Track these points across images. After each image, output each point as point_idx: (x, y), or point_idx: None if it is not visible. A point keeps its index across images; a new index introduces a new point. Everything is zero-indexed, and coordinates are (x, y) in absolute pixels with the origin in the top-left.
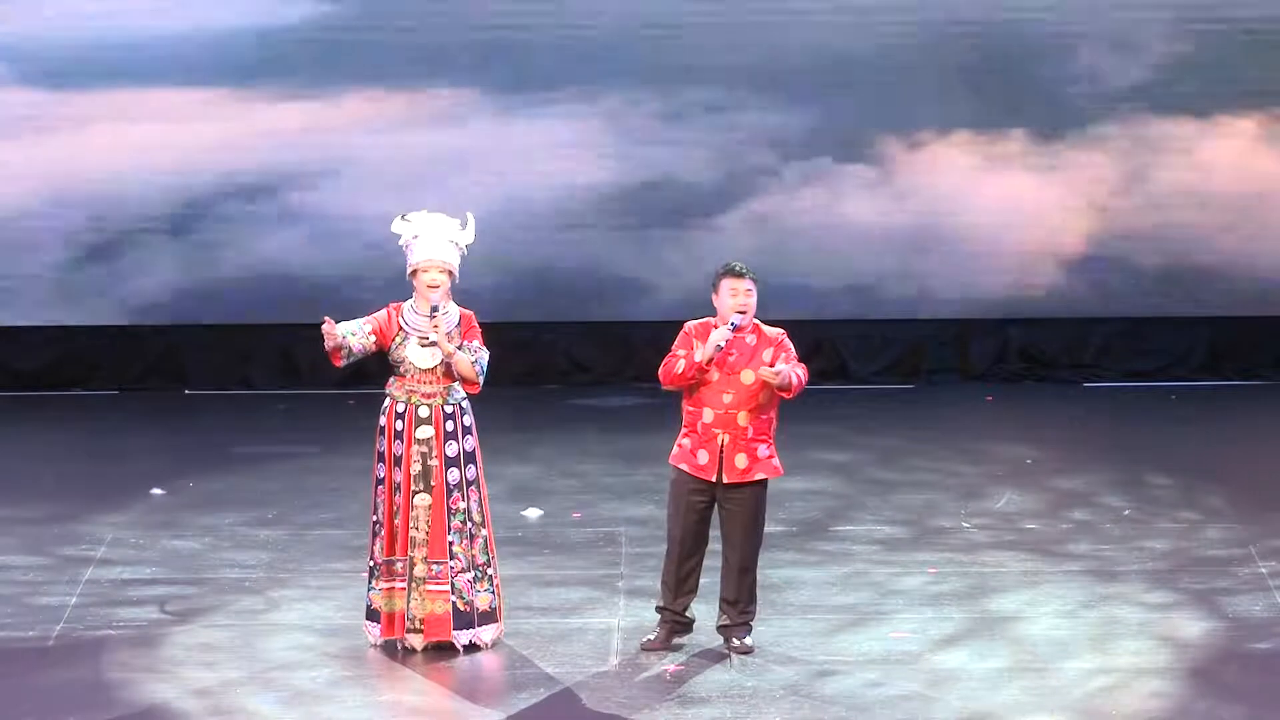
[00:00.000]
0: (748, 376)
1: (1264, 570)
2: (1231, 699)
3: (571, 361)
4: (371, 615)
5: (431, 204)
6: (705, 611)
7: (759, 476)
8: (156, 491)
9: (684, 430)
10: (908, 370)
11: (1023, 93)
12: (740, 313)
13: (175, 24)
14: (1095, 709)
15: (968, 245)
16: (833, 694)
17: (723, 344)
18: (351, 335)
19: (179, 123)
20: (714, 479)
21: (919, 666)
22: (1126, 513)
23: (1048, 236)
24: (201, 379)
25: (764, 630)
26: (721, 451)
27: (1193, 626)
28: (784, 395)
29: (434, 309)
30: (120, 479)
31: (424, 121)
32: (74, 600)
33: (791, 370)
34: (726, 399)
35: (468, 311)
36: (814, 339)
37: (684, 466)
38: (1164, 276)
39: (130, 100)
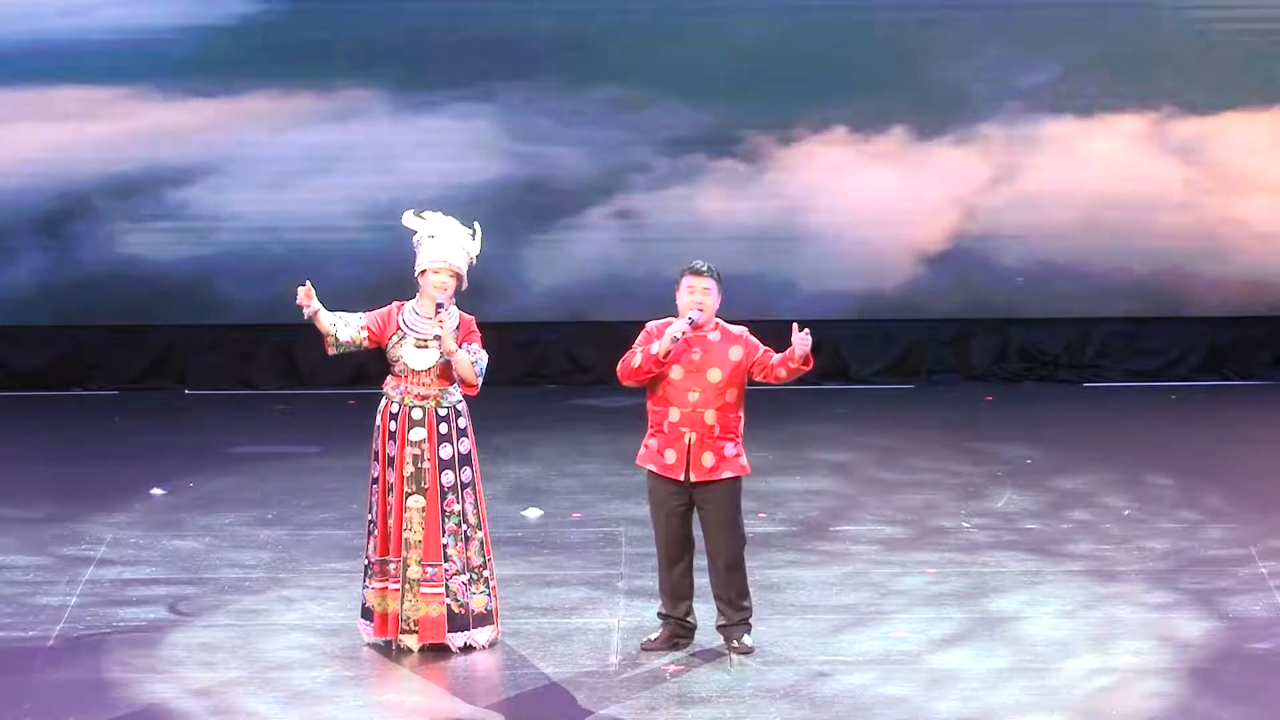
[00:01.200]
0: (714, 374)
1: (1264, 570)
2: (1231, 699)
3: (571, 361)
4: (366, 614)
5: (307, 200)
6: (705, 611)
7: (726, 475)
8: (156, 491)
9: (650, 430)
10: (908, 370)
11: (904, 91)
12: (699, 309)
13: (77, 24)
14: (1095, 709)
15: (828, 243)
16: (832, 694)
17: (679, 337)
18: (343, 325)
19: (72, 121)
20: (682, 478)
21: (919, 666)
22: (1126, 513)
23: (913, 234)
24: (201, 379)
25: (764, 630)
26: (689, 450)
27: (1193, 626)
28: (805, 369)
29: (439, 306)
30: (120, 479)
31: (321, 119)
32: (74, 600)
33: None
34: (693, 397)
35: (468, 316)
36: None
37: (651, 467)
38: (1036, 275)
39: (28, 100)
